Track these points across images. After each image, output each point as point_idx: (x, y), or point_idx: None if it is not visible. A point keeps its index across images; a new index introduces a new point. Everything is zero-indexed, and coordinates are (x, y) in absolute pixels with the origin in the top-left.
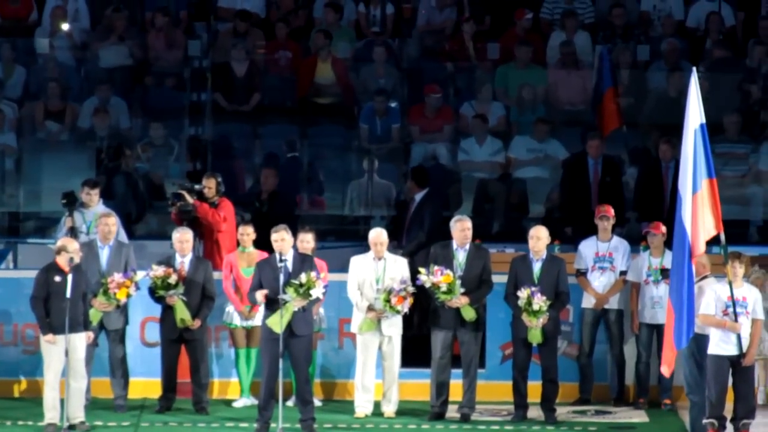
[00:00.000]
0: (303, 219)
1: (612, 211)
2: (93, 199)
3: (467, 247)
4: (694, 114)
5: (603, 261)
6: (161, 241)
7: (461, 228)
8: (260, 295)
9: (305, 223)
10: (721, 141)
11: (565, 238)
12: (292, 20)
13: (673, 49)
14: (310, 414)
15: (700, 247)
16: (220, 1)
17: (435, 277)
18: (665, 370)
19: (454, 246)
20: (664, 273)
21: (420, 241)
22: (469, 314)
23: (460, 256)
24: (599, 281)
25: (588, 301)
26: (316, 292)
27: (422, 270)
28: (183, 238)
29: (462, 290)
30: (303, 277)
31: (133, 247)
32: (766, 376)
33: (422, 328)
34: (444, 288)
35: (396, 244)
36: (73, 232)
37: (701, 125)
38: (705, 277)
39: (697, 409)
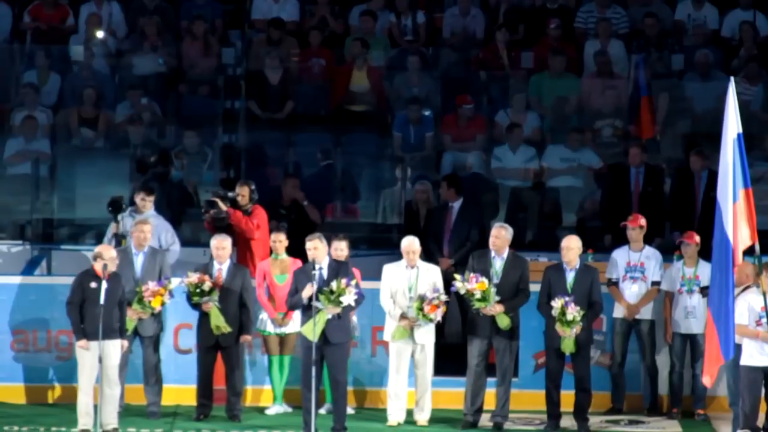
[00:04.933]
0: (329, 227)
1: (639, 221)
2: (146, 205)
3: (505, 255)
4: (732, 124)
5: (634, 271)
6: (194, 249)
7: (493, 235)
8: (306, 291)
9: (338, 231)
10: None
11: (603, 248)
12: (326, 28)
13: (705, 61)
14: (342, 424)
15: (739, 258)
16: (255, 9)
17: (470, 284)
18: (707, 381)
19: (492, 254)
20: (704, 291)
21: (471, 249)
22: (503, 322)
23: (497, 264)
24: (630, 291)
25: (619, 311)
26: (347, 299)
27: (457, 277)
28: (220, 245)
29: (497, 298)
30: (334, 285)
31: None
32: None
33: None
34: (478, 295)
35: (431, 251)
36: (117, 238)
37: (738, 135)
38: (748, 287)
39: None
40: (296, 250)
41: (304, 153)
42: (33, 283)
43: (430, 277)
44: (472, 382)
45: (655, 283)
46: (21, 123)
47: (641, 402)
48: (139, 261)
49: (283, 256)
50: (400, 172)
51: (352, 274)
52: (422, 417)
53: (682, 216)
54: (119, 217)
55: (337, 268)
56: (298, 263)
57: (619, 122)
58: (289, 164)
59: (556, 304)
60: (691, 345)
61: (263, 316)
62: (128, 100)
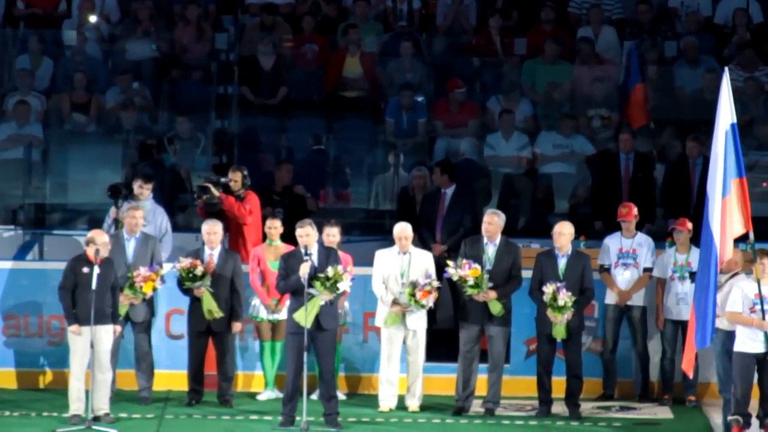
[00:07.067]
0: (322, 213)
1: (633, 213)
2: (144, 192)
3: (497, 241)
4: (725, 114)
5: (626, 257)
6: (186, 234)
7: (485, 221)
8: (304, 269)
9: (330, 216)
10: (756, 148)
11: (594, 234)
12: (319, 13)
13: (692, 47)
14: (334, 408)
15: (728, 253)
16: None
17: (462, 270)
18: (686, 368)
19: (484, 240)
20: (693, 276)
21: (464, 235)
22: (496, 308)
23: (490, 251)
24: (622, 277)
25: (611, 298)
26: (344, 285)
27: (450, 263)
28: (211, 230)
29: (490, 284)
30: (330, 271)
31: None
32: None
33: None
34: (471, 281)
35: (423, 237)
36: (117, 224)
37: (732, 125)
38: (736, 274)
39: (729, 406)
40: (291, 236)
41: (296, 139)
42: (25, 268)
43: (422, 263)
44: (464, 368)
45: (647, 270)
46: (13, 108)
47: (632, 388)
48: (131, 246)
49: (278, 242)
50: (393, 158)
51: (340, 261)
52: (413, 403)
53: (677, 203)
54: (120, 202)
55: (327, 255)
56: (292, 249)
57: (608, 111)
58: (282, 150)
59: (548, 289)
60: (683, 331)
61: (256, 302)
62: (117, 86)
